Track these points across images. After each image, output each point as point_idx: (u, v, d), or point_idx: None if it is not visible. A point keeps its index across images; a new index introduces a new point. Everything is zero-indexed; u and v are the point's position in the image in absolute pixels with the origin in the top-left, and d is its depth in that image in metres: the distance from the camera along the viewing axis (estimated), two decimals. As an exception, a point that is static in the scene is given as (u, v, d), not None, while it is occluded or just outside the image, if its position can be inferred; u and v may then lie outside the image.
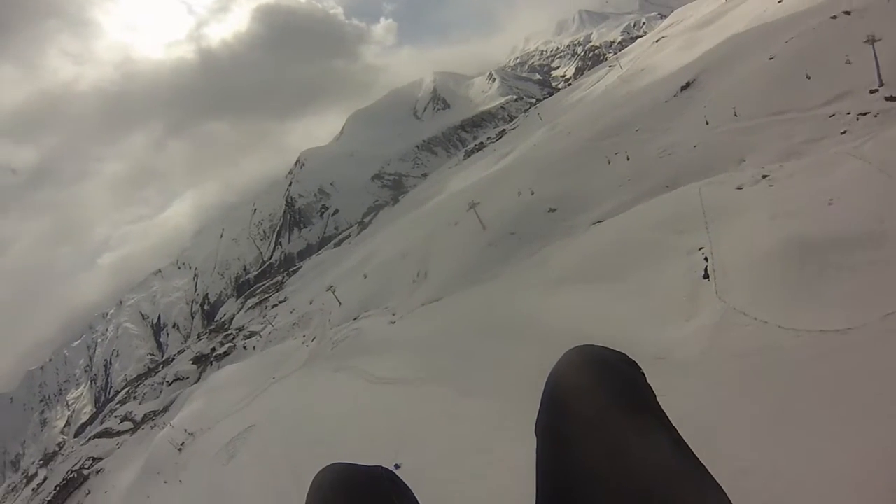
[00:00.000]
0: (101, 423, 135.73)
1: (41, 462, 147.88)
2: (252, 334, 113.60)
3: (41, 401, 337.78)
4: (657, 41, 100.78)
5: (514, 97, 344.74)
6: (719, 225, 24.73)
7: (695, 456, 1.43)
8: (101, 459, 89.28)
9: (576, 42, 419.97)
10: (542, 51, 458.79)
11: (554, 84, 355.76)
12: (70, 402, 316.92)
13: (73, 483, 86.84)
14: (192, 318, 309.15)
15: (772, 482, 11.14)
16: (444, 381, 27.32)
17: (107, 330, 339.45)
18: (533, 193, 54.75)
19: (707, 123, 43.35)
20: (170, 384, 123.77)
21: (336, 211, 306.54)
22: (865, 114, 32.21)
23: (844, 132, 31.30)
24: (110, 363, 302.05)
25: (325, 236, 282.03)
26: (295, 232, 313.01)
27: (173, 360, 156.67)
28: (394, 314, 51.20)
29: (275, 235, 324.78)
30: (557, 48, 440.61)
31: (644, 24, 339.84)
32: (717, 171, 34.78)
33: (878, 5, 39.48)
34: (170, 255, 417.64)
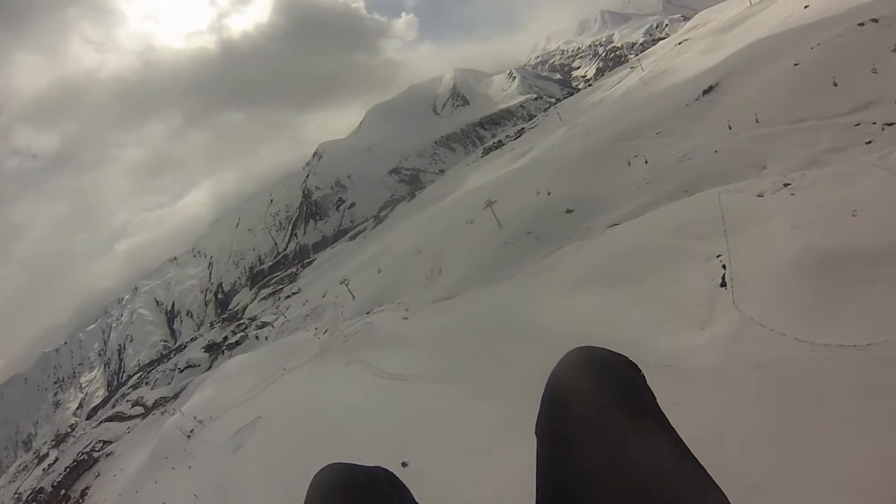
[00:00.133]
0: (113, 406, 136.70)
1: (53, 442, 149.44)
2: (264, 325, 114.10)
3: (55, 382, 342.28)
4: (680, 43, 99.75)
5: (534, 96, 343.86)
6: (738, 232, 24.38)
7: (694, 458, 1.44)
8: (111, 443, 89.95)
9: (597, 42, 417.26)
10: (564, 50, 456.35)
11: (574, 84, 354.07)
12: (83, 385, 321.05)
13: (84, 465, 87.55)
14: (206, 306, 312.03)
15: (782, 499, 10.96)
16: (453, 380, 27.24)
17: (121, 315, 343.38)
18: (549, 194, 54.48)
19: (730, 128, 42.82)
20: (181, 371, 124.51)
21: (352, 204, 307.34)
22: (891, 124, 31.60)
23: (869, 142, 30.75)
24: (124, 348, 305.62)
25: (341, 229, 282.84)
26: (310, 224, 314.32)
27: (186, 347, 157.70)
28: (407, 310, 51.15)
29: (290, 227, 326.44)
30: (579, 48, 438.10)
31: (667, 25, 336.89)
32: (738, 177, 34.34)
33: (907, 14, 38.94)
34: (185, 242, 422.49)
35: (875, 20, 41.13)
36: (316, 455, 25.20)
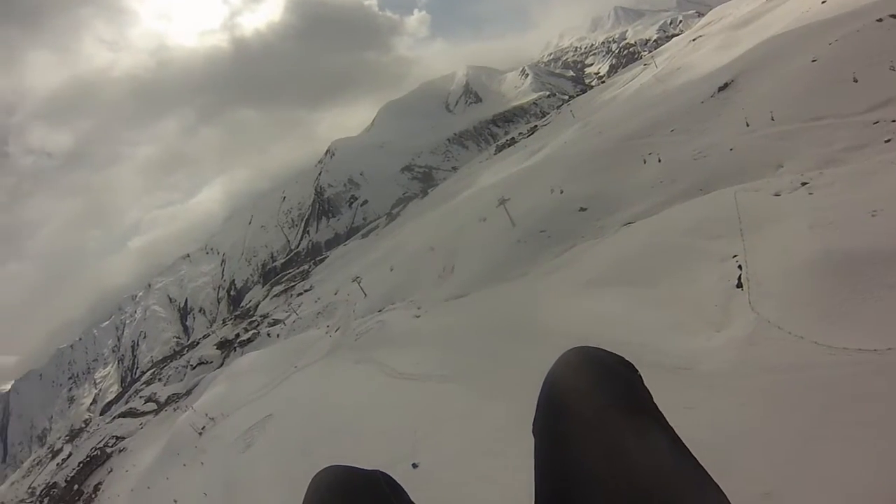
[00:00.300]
0: (126, 402, 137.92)
1: (67, 437, 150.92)
2: (276, 322, 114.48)
3: (70, 378, 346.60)
4: (694, 40, 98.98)
5: (547, 93, 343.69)
6: (755, 232, 23.96)
7: (693, 457, 1.46)
8: (124, 438, 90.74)
9: (610, 39, 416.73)
10: (577, 47, 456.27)
11: (587, 81, 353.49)
12: (97, 381, 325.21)
13: (97, 460, 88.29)
14: (219, 303, 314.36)
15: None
16: (465, 380, 27.07)
17: (135, 312, 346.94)
18: (562, 192, 54.18)
19: (748, 125, 42.27)
20: (194, 368, 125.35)
21: (365, 201, 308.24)
22: (911, 122, 31.17)
23: (889, 140, 30.19)
24: (137, 344, 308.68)
25: (353, 226, 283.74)
26: (323, 221, 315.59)
27: (198, 343, 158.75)
28: (419, 308, 50.99)
29: (303, 224, 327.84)
30: (592, 45, 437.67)
31: (681, 22, 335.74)
32: (754, 176, 33.87)
33: (929, 10, 38.32)
34: (198, 240, 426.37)
35: (894, 16, 40.52)
36: (326, 455, 25.16)
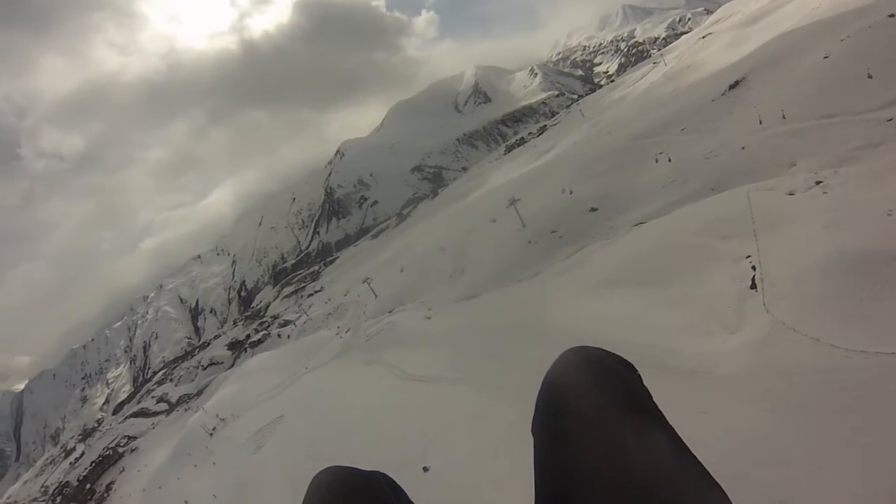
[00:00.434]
0: (138, 402, 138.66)
1: (80, 437, 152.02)
2: (287, 323, 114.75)
3: (83, 378, 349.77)
4: (703, 37, 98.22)
5: (556, 93, 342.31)
6: (768, 232, 23.65)
7: (693, 455, 1.46)
8: (136, 438, 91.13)
9: (619, 38, 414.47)
10: (585, 46, 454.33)
11: (596, 80, 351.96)
12: (110, 381, 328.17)
13: (109, 460, 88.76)
14: (229, 304, 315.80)
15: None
16: (475, 382, 26.95)
17: (147, 312, 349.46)
18: (571, 193, 53.99)
19: (761, 123, 41.88)
20: (205, 368, 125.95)
21: (375, 202, 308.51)
22: (925, 120, 30.77)
23: (903, 138, 29.87)
24: (149, 345, 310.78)
25: (364, 227, 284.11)
26: (333, 222, 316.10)
27: (209, 344, 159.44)
28: (430, 309, 50.88)
29: (313, 225, 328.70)
30: (600, 44, 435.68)
31: (689, 19, 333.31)
32: (767, 175, 33.55)
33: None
34: (209, 241, 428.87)
35: (907, 12, 40.09)
36: (336, 457, 25.06)
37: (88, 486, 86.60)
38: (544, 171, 72.56)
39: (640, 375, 1.69)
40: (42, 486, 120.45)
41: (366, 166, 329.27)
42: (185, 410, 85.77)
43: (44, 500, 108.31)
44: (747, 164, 37.77)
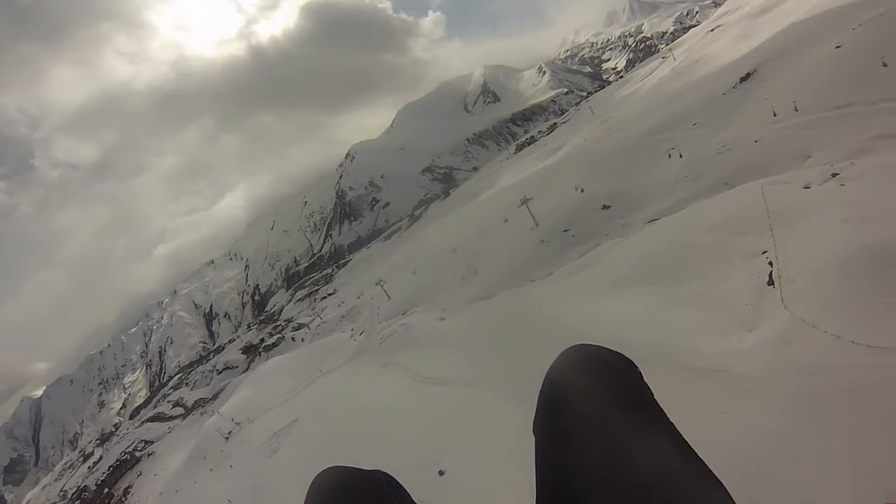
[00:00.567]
0: (155, 407, 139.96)
1: (98, 441, 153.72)
2: (300, 326, 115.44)
3: (100, 383, 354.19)
4: (712, 30, 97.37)
5: (565, 90, 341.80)
6: (785, 227, 23.19)
7: (695, 454, 1.47)
8: (152, 442, 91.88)
9: (626, 33, 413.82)
10: (593, 43, 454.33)
11: (605, 77, 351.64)
12: (126, 386, 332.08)
13: (126, 464, 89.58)
14: (243, 308, 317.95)
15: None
16: (489, 384, 26.70)
17: (162, 318, 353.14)
18: (582, 191, 53.73)
19: (775, 115, 41.36)
20: (220, 372, 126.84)
21: (387, 204, 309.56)
22: (945, 108, 30.25)
23: (920, 128, 29.36)
24: (164, 350, 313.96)
25: (376, 229, 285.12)
26: (345, 224, 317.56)
27: (224, 348, 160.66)
28: (443, 310, 50.73)
29: (325, 227, 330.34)
30: (608, 40, 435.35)
31: (697, 13, 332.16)
32: (781, 168, 33.11)
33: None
34: (222, 246, 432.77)
35: (919, -1, 39.53)
36: (351, 461, 24.76)
37: (106, 490, 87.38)
38: (555, 170, 72.33)
39: (640, 373, 1.68)
40: (61, 491, 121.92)
41: (376, 168, 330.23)
42: (201, 414, 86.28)
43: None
44: (761, 158, 37.34)
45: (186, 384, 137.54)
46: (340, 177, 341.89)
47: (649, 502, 1.30)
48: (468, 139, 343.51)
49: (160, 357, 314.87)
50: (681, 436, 1.49)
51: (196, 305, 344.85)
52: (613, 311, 27.24)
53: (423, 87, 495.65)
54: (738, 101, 48.80)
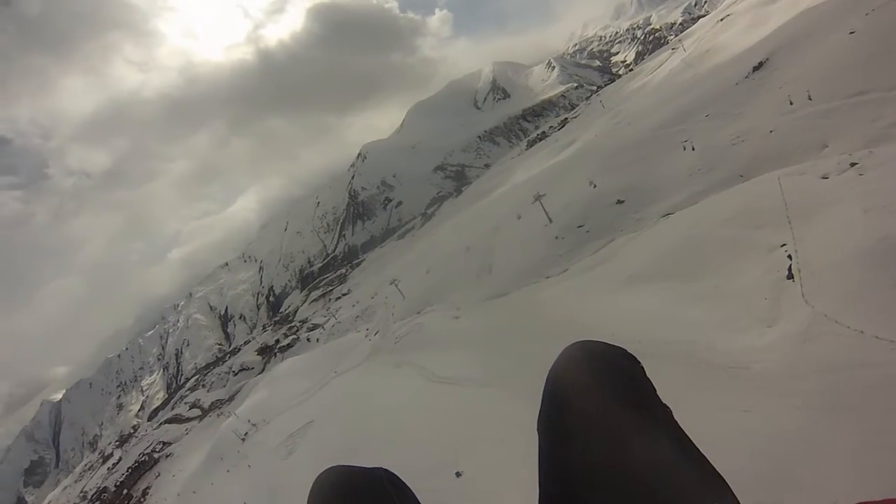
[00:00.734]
0: (172, 408, 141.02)
1: (117, 443, 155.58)
2: (315, 327, 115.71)
3: (118, 386, 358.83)
4: (722, 20, 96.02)
5: (575, 85, 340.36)
6: (803, 219, 22.69)
7: (697, 450, 1.48)
8: (170, 444, 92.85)
9: (635, 25, 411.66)
10: (601, 36, 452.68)
11: (614, 70, 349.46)
12: (144, 388, 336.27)
13: (145, 465, 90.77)
14: (258, 309, 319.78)
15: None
16: (504, 384, 26.44)
17: (178, 321, 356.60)
18: (595, 186, 53.29)
19: (791, 104, 40.68)
20: (236, 374, 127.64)
21: (399, 203, 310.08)
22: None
23: (940, 113, 28.73)
24: (181, 352, 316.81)
25: (389, 228, 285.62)
26: (358, 224, 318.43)
27: (239, 350, 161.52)
28: (458, 309, 50.55)
29: (338, 228, 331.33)
30: (616, 33, 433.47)
31: (706, 2, 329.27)
32: (797, 158, 32.53)
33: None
34: (236, 248, 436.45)
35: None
36: (367, 462, 24.68)
37: (125, 490, 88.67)
38: (568, 165, 71.90)
39: (643, 368, 1.67)
40: (81, 492, 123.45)
41: (388, 168, 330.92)
42: (218, 416, 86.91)
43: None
44: (776, 149, 36.75)
45: (203, 386, 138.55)
46: (353, 177, 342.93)
47: (651, 500, 1.30)
48: (479, 136, 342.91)
49: (177, 359, 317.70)
50: (683, 432, 1.50)
51: (211, 308, 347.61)
52: (628, 308, 26.92)
53: (432, 86, 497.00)
54: (751, 90, 48.11)
